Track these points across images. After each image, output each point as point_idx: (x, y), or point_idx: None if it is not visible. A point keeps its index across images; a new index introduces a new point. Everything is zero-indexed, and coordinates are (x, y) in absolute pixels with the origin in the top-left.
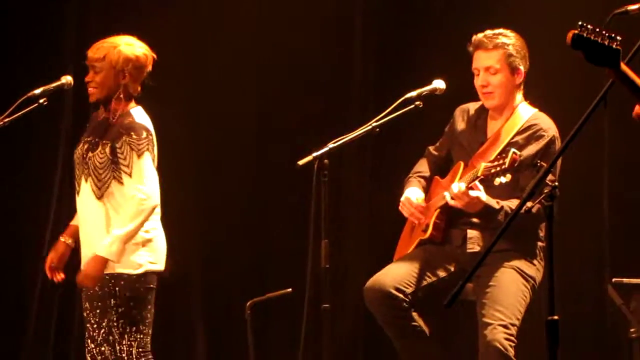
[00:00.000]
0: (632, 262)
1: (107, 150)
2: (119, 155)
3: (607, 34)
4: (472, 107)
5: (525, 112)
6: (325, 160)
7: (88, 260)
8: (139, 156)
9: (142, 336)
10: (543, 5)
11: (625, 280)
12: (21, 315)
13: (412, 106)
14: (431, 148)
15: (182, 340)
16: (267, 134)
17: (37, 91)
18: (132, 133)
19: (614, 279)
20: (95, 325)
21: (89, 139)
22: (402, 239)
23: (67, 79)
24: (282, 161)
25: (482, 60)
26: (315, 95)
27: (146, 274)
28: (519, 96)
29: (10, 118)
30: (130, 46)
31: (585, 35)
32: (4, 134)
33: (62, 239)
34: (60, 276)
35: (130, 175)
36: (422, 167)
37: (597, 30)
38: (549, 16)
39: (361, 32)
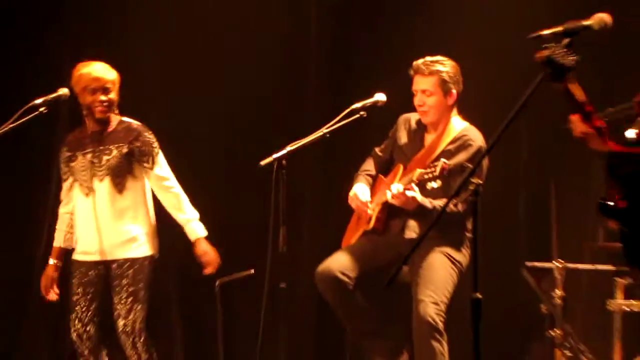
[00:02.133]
0: (543, 249)
1: (124, 150)
2: (138, 152)
3: (562, 53)
4: (414, 117)
5: (457, 125)
6: (284, 161)
7: (203, 247)
8: (157, 152)
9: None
10: (479, 29)
11: (537, 264)
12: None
13: (357, 115)
14: (377, 149)
15: (161, 314)
16: (236, 136)
17: (38, 101)
18: (145, 133)
19: (527, 263)
20: (84, 308)
21: (92, 149)
22: (349, 229)
23: (63, 91)
24: (248, 161)
25: (419, 84)
26: (276, 106)
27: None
28: (453, 113)
29: (16, 123)
30: (110, 68)
31: (552, 55)
32: (10, 138)
33: (51, 262)
34: (54, 295)
35: (151, 168)
36: (369, 165)
37: (557, 50)
38: (484, 39)
39: (316, 54)
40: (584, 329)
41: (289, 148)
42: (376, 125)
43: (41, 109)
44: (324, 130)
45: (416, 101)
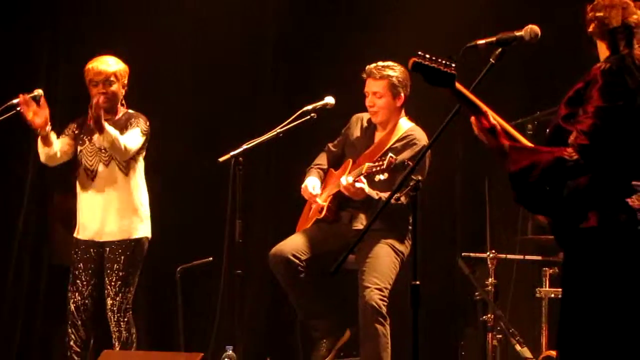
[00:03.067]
0: (477, 240)
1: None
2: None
3: (442, 61)
4: (365, 117)
5: (404, 125)
6: (240, 158)
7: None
8: (141, 134)
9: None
10: (427, 37)
11: (471, 254)
12: None
13: (308, 117)
14: (330, 145)
15: None
16: (198, 134)
17: (15, 100)
18: (141, 118)
19: (463, 254)
20: (84, 282)
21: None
22: (302, 217)
23: (38, 91)
24: (209, 157)
25: (371, 86)
26: (236, 108)
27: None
28: (401, 114)
29: None
30: (118, 62)
31: (422, 62)
32: None
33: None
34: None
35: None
36: (322, 160)
37: (434, 58)
38: (432, 46)
39: (272, 64)
40: (514, 314)
41: (245, 146)
42: (325, 126)
43: (18, 109)
44: (277, 130)
45: (368, 102)
